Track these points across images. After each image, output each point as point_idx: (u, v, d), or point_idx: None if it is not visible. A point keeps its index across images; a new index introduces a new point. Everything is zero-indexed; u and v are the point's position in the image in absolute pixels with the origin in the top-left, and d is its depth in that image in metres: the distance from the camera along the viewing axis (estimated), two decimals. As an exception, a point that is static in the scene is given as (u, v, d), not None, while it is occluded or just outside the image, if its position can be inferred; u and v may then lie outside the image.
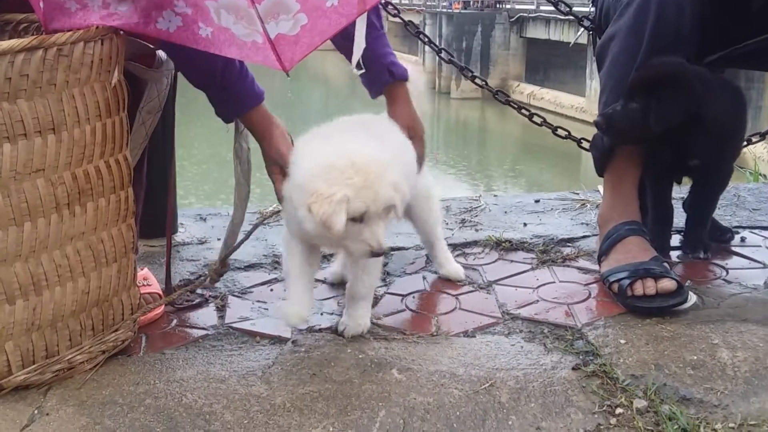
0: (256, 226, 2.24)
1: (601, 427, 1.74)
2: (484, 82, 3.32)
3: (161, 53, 2.13)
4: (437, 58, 3.48)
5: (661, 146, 2.34)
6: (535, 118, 3.21)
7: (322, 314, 2.20)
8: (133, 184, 2.01)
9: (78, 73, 1.79)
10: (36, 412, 1.74)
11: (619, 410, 1.78)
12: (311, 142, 2.04)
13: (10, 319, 1.77)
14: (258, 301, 2.29)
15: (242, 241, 2.21)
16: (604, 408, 1.79)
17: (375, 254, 1.91)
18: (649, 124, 2.22)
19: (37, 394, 1.80)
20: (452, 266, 2.44)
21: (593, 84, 14.44)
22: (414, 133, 2.31)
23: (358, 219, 1.86)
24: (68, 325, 1.88)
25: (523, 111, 3.19)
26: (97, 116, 1.86)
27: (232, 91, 2.06)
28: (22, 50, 1.66)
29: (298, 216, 1.91)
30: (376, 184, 1.86)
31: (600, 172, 2.53)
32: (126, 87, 1.97)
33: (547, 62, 17.99)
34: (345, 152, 1.89)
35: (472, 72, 3.34)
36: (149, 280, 2.30)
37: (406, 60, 23.95)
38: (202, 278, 2.26)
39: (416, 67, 21.70)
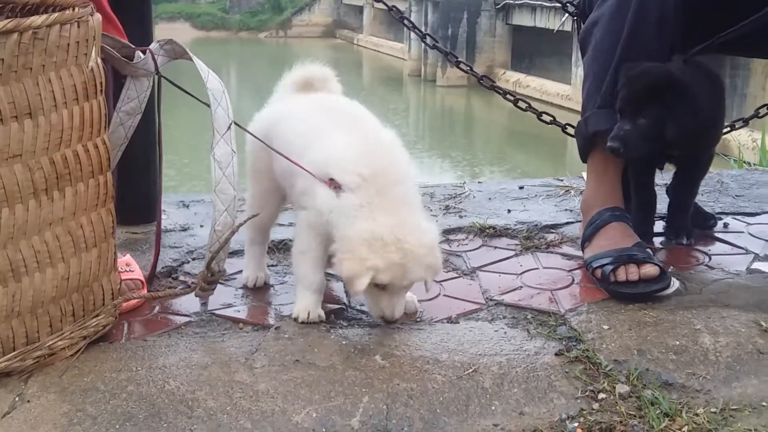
0: (232, 233, 2.09)
1: (584, 411, 1.75)
2: (468, 68, 3.31)
3: (140, 53, 2.11)
4: (423, 45, 3.47)
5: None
6: (520, 104, 3.20)
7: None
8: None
9: (54, 56, 1.76)
10: (17, 399, 1.73)
11: (601, 395, 1.79)
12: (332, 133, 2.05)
13: (-10, 306, 1.75)
14: (241, 288, 2.28)
15: (220, 248, 2.06)
16: (587, 393, 1.79)
17: (386, 322, 1.97)
18: (661, 135, 2.21)
19: (17, 381, 1.79)
20: None
21: (578, 72, 14.43)
22: None
23: (381, 287, 1.91)
24: (49, 311, 1.86)
25: (508, 96, 3.19)
26: (74, 100, 1.84)
27: None
28: (-5, 33, 1.64)
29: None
30: (410, 263, 1.89)
31: (584, 158, 2.53)
32: (104, 71, 1.95)
33: (533, 50, 17.97)
34: (394, 226, 1.89)
35: (456, 57, 3.33)
36: (131, 266, 2.29)
37: (391, 48, 23.92)
38: (191, 287, 2.16)
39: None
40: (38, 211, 1.79)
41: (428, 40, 3.26)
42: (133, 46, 2.14)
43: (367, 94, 19.45)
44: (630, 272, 2.17)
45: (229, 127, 2.05)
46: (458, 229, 2.70)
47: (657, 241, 2.54)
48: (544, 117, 3.16)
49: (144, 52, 2.12)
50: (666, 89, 2.21)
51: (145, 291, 2.22)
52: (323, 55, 26.20)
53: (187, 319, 2.10)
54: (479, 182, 3.36)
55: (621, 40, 2.30)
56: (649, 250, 2.28)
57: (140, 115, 2.20)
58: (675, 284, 2.18)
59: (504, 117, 14.88)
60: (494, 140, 13.86)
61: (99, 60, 1.92)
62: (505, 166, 11.11)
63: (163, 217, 2.81)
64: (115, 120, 2.09)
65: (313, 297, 2.07)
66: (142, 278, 2.25)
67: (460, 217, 2.83)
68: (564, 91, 14.99)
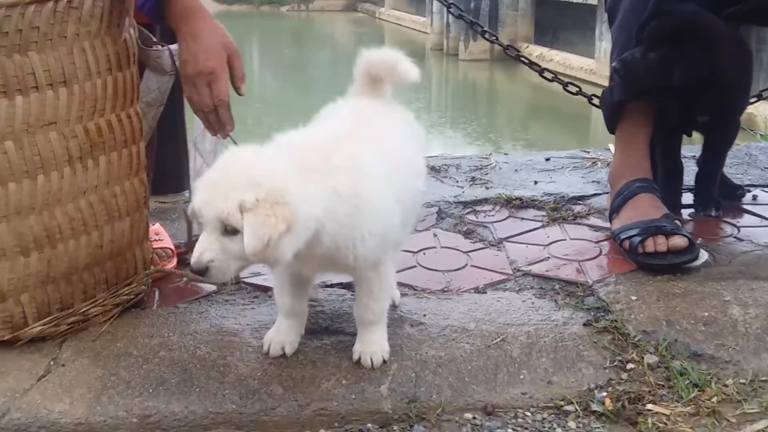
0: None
1: (613, 381, 1.75)
2: (494, 38, 3.28)
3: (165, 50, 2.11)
4: (445, 19, 3.45)
5: (670, 101, 2.33)
6: (546, 74, 3.18)
7: (333, 270, 2.20)
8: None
9: (88, 25, 1.78)
10: (52, 363, 1.76)
11: (630, 365, 1.79)
12: None
13: (26, 271, 1.78)
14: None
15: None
16: (616, 363, 1.80)
17: (192, 270, 1.52)
18: (666, 75, 2.19)
19: (52, 346, 1.82)
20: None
21: (602, 45, 14.26)
22: (231, 53, 1.95)
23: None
24: (82, 278, 1.89)
25: (534, 66, 3.16)
26: (108, 70, 1.85)
27: None
28: (32, 2, 1.65)
29: None
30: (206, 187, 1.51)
31: (611, 129, 2.51)
32: (136, 44, 1.96)
33: (556, 23, 17.78)
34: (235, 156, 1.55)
35: (482, 27, 3.31)
36: (161, 235, 2.31)
37: (413, 21, 23.77)
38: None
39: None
40: (73, 179, 1.81)
41: (453, 9, 3.24)
42: (154, 38, 2.13)
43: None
44: (658, 243, 2.16)
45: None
46: (484, 200, 2.70)
47: (685, 213, 2.52)
48: (570, 88, 3.14)
49: (163, 46, 2.13)
50: (687, 32, 2.19)
51: (175, 260, 2.24)
52: (345, 29, 26.10)
53: (216, 287, 2.11)
54: (505, 154, 3.35)
55: (648, 7, 2.28)
56: (677, 221, 2.27)
57: (162, 107, 2.20)
58: (704, 256, 2.17)
59: (527, 91, 14.76)
60: (517, 114, 13.76)
61: (132, 31, 1.93)
62: (528, 140, 11.04)
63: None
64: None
65: (285, 323, 1.80)
66: (172, 247, 2.27)
67: (487, 188, 2.82)
68: (588, 65, 14.83)
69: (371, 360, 1.75)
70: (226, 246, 1.47)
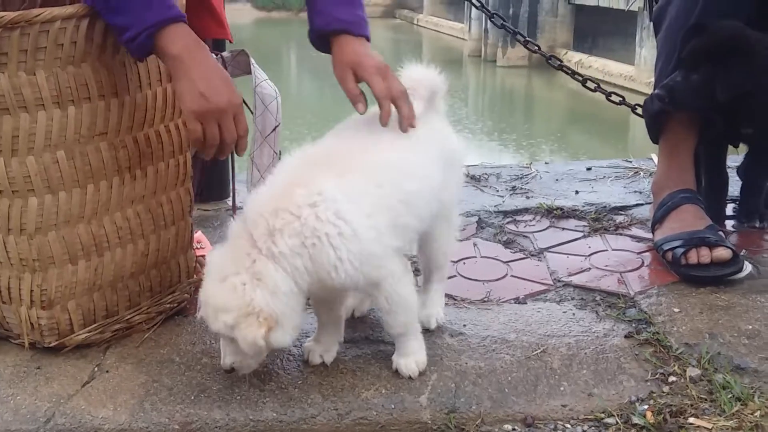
0: None
1: (654, 394, 1.74)
2: (536, 47, 3.28)
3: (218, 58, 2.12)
4: (483, 25, 3.45)
5: (714, 114, 2.30)
6: (589, 84, 3.16)
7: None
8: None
9: (139, 38, 1.81)
10: (96, 369, 1.79)
11: (672, 378, 1.77)
12: None
13: (73, 279, 1.81)
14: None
15: None
16: (657, 376, 1.78)
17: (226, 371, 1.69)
18: (712, 94, 2.16)
19: (96, 352, 1.85)
20: (433, 310, 1.96)
21: (643, 52, 14.14)
22: (360, 70, 1.79)
23: None
24: (128, 285, 1.92)
25: (577, 76, 3.15)
26: (158, 81, 1.89)
27: None
28: (86, 15, 1.68)
29: None
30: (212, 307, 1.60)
31: (654, 139, 2.49)
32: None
33: (595, 30, 17.66)
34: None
35: (524, 37, 3.30)
36: (203, 243, 2.33)
37: (451, 28, 23.75)
38: None
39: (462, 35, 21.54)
40: (121, 189, 1.84)
41: (495, 19, 3.24)
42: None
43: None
44: (702, 255, 2.14)
45: (274, 129, 2.08)
46: (525, 210, 2.69)
47: (729, 224, 2.49)
48: (614, 98, 3.12)
49: (216, 55, 2.14)
50: (728, 47, 2.16)
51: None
52: (383, 35, 26.15)
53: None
54: (546, 163, 3.34)
55: (694, 16, 2.26)
56: (721, 232, 2.24)
57: None
58: (747, 268, 2.14)
59: (565, 98, 14.67)
60: (555, 121, 13.67)
61: None
62: (567, 148, 10.96)
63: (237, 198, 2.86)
64: None
65: (323, 333, 1.83)
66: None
67: (527, 197, 2.81)
68: (627, 72, 14.70)
69: (406, 370, 1.76)
70: (239, 349, 1.60)
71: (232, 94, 1.69)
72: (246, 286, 1.56)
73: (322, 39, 1.86)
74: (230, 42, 2.27)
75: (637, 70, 14.32)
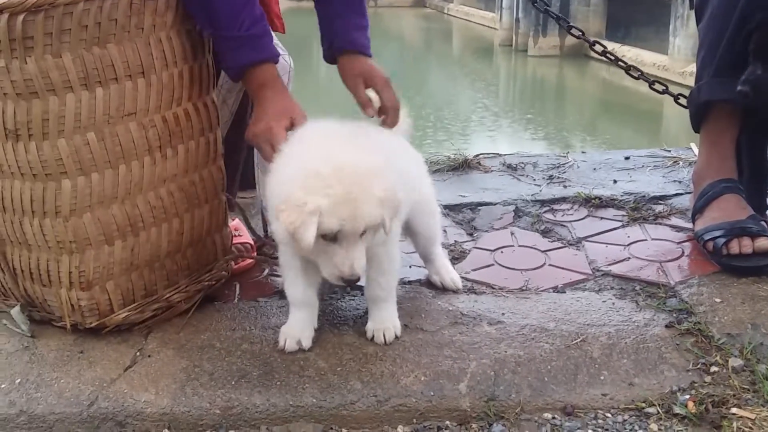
0: None
1: (696, 384, 1.72)
2: (580, 33, 3.24)
3: None
4: (514, 14, 3.43)
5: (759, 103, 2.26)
6: (632, 72, 3.12)
7: (411, 267, 2.20)
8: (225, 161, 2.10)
9: (164, 16, 1.83)
10: (138, 354, 1.81)
11: (714, 368, 1.76)
12: (293, 145, 1.80)
13: (110, 259, 1.83)
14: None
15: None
16: (699, 366, 1.76)
17: (345, 281, 1.67)
18: None
19: (138, 337, 1.87)
20: (450, 274, 2.11)
21: (676, 42, 13.96)
22: (372, 81, 2.06)
23: (330, 237, 1.63)
24: (165, 265, 1.94)
25: (620, 63, 3.11)
26: (184, 59, 1.90)
27: (249, 35, 1.90)
28: (109, -5, 1.69)
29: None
30: (359, 199, 1.61)
31: (696, 127, 2.46)
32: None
33: (628, 19, 17.46)
34: (330, 156, 1.64)
35: (568, 22, 3.27)
36: (240, 231, 2.34)
37: (482, 17, 23.62)
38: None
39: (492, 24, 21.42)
40: (153, 168, 1.86)
41: (539, 4, 3.22)
42: None
43: (457, 64, 19.32)
44: (743, 245, 2.11)
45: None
46: (562, 199, 2.68)
47: (771, 214, 2.46)
48: (657, 86, 3.08)
49: None
50: None
51: (255, 254, 2.27)
52: (413, 24, 26.07)
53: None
54: (583, 152, 3.31)
55: (737, 8, 2.22)
56: (763, 222, 2.21)
57: (242, 91, 2.24)
58: (790, 258, 2.11)
59: (597, 88, 14.56)
60: (587, 111, 13.55)
61: None
62: (600, 138, 10.87)
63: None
64: (217, 98, 2.13)
65: (298, 316, 1.84)
66: (252, 242, 2.30)
67: (564, 187, 2.79)
68: (660, 61, 14.52)
69: (384, 336, 1.82)
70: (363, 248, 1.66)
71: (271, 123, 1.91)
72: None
73: (335, 54, 2.12)
74: (282, 33, 2.32)
75: (670, 60, 14.15)
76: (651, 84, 3.07)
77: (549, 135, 11.23)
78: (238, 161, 2.43)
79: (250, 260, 2.22)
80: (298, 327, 1.83)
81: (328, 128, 1.83)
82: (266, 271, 2.21)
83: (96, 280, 1.83)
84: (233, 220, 2.38)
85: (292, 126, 1.91)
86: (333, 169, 1.61)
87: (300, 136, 1.82)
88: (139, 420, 1.64)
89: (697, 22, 2.46)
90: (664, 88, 3.05)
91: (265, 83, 1.93)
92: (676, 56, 13.81)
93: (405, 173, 1.87)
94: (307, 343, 1.81)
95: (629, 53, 15.86)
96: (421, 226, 2.04)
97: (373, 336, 1.84)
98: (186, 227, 1.97)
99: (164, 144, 1.88)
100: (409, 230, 2.04)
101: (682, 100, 2.63)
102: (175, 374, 1.73)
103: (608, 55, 3.15)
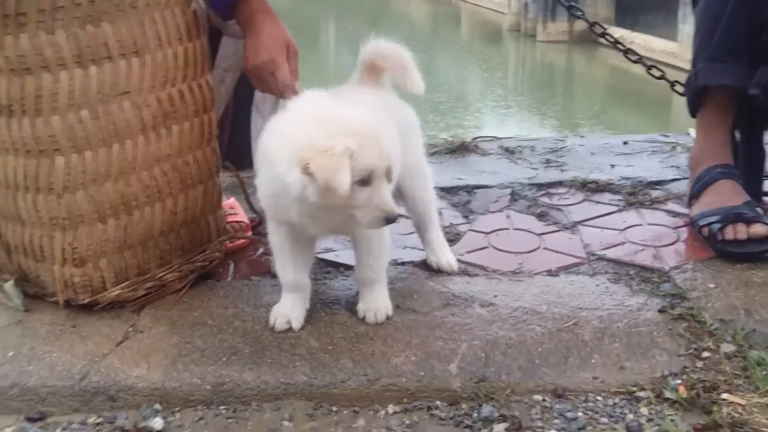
0: None
1: (687, 369, 1.72)
2: (581, 12, 3.22)
3: None
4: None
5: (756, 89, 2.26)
6: (630, 56, 3.11)
7: (405, 248, 2.21)
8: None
9: (159, -6, 1.82)
10: (130, 329, 1.82)
11: (705, 354, 1.76)
12: (287, 110, 1.73)
13: (103, 237, 1.84)
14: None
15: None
16: (691, 351, 1.76)
17: (389, 220, 1.62)
18: None
19: (130, 313, 1.88)
20: (446, 256, 2.10)
21: (686, 29, 13.89)
22: (289, 49, 2.02)
23: (360, 182, 1.58)
24: (158, 244, 1.94)
25: (619, 46, 3.10)
26: (179, 40, 1.90)
27: None
28: (104, -28, 1.69)
29: (286, 187, 1.60)
30: (377, 140, 1.60)
31: (693, 113, 2.45)
32: (207, 14, 1.99)
33: (637, 5, 17.39)
34: (337, 111, 1.63)
35: (580, 9, 3.25)
36: (236, 209, 2.35)
37: (490, 2, 23.50)
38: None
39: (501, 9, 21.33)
40: (147, 148, 1.86)
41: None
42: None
43: (465, 49, 19.25)
44: (738, 231, 2.11)
45: None
46: (559, 183, 2.67)
47: (767, 200, 2.45)
48: (654, 71, 3.07)
49: None
50: None
51: (249, 233, 2.27)
52: (421, 9, 25.96)
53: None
54: (581, 137, 3.31)
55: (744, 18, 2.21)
56: (758, 209, 2.21)
57: (239, 71, 2.24)
58: (785, 245, 2.10)
59: (606, 74, 14.51)
60: (595, 97, 13.51)
61: (201, 1, 1.96)
62: (607, 123, 10.85)
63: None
64: (215, 77, 2.13)
65: (290, 298, 1.84)
66: (247, 220, 2.31)
67: (561, 171, 2.79)
68: (670, 48, 14.47)
69: (375, 316, 1.83)
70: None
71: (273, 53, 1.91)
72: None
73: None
74: None
75: (680, 47, 14.10)
76: (648, 69, 3.05)
77: (556, 120, 11.21)
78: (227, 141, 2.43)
79: (245, 239, 2.22)
80: (289, 306, 1.83)
81: (316, 94, 1.75)
82: (261, 249, 2.21)
83: (89, 257, 1.83)
84: (228, 198, 2.38)
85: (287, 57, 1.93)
86: (342, 117, 1.60)
87: (291, 104, 1.74)
88: (131, 394, 1.65)
89: (693, 6, 2.45)
90: (662, 73, 3.03)
91: (257, 11, 1.93)
92: (686, 43, 13.73)
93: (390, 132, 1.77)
94: (297, 324, 1.81)
95: (639, 39, 15.80)
96: (413, 189, 2.02)
97: (365, 316, 1.84)
98: (180, 207, 1.97)
99: (158, 124, 1.88)
100: (403, 196, 2.03)
101: (679, 88, 2.61)
102: (166, 350, 1.74)
103: (607, 37, 3.13)
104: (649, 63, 3.12)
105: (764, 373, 1.68)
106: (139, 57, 1.81)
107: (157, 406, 1.63)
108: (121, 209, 1.86)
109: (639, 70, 3.10)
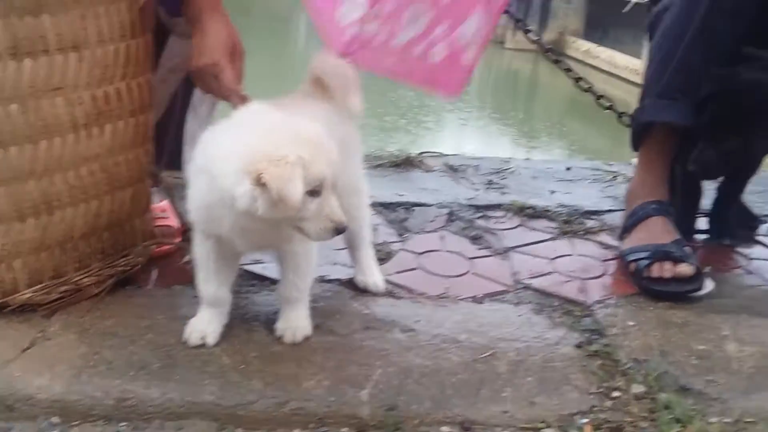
0: None
1: (596, 408, 1.72)
2: (537, 38, 3.21)
3: None
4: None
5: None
6: (582, 83, 3.10)
7: (334, 264, 2.19)
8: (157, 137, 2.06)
9: (104, -10, 1.78)
10: (38, 335, 1.77)
11: (615, 393, 1.76)
12: (229, 122, 1.69)
13: (20, 237, 1.79)
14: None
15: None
16: (601, 390, 1.77)
17: (338, 231, 1.62)
18: (748, 154, 2.23)
19: (41, 319, 1.83)
20: (374, 277, 2.09)
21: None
22: (235, 50, 1.98)
23: (310, 192, 1.55)
24: (78, 246, 1.90)
25: (571, 74, 3.09)
26: (122, 36, 1.85)
27: None
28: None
29: (231, 200, 1.55)
30: (326, 150, 1.58)
31: (635, 146, 2.47)
32: (155, 11, 1.96)
33: (607, 20, 17.57)
34: (285, 120, 1.60)
35: (526, 26, 3.24)
36: (167, 213, 2.31)
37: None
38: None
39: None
40: (76, 146, 1.82)
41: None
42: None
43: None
44: (664, 269, 2.13)
45: None
46: (497, 206, 2.67)
47: (699, 238, 2.47)
48: (603, 101, 3.07)
49: None
50: (761, 110, 2.13)
51: (179, 238, 2.24)
52: None
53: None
54: (526, 159, 3.31)
55: (690, 30, 2.22)
56: (687, 248, 2.22)
57: (183, 73, 2.20)
58: (708, 286, 2.13)
59: (569, 85, 14.57)
60: (556, 109, 13.59)
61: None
62: (566, 139, 10.92)
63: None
64: (158, 76, 2.09)
65: (207, 312, 1.81)
66: (177, 225, 2.27)
67: (502, 193, 2.79)
68: (633, 65, 14.61)
69: (293, 335, 1.82)
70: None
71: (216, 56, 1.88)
72: None
73: None
74: None
75: (643, 64, 14.23)
76: (597, 98, 3.05)
77: (514, 130, 11.25)
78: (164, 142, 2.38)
79: (171, 245, 2.19)
80: (205, 321, 1.80)
81: (259, 105, 1.72)
82: (187, 257, 2.18)
83: (3, 257, 1.79)
84: (161, 201, 2.35)
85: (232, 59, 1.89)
86: (291, 126, 1.57)
87: (235, 114, 1.71)
88: (29, 405, 1.60)
89: (650, 38, 2.46)
90: (610, 104, 3.03)
91: (205, 8, 1.89)
92: (649, 62, 13.89)
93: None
94: (212, 340, 1.79)
95: (603, 54, 15.95)
96: (349, 206, 1.89)
97: (283, 335, 1.82)
98: (105, 209, 1.94)
99: (91, 122, 1.84)
100: None
101: (626, 119, 2.62)
102: (72, 360, 1.70)
103: (560, 61, 3.12)
104: (615, 82, 3.11)
105: (670, 416, 1.69)
106: (78, 52, 1.76)
107: (55, 419, 1.59)
108: (43, 209, 1.81)
109: (602, 84, 3.10)
